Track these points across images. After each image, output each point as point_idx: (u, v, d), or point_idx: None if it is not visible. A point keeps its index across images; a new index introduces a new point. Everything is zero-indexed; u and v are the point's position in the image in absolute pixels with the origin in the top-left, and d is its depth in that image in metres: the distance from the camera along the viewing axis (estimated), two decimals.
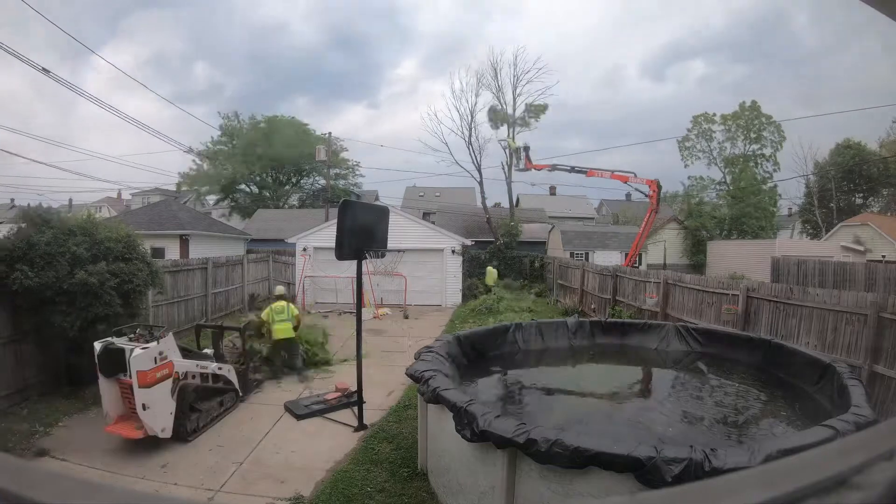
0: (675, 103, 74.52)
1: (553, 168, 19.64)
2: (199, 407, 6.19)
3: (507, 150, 23.36)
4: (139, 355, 5.35)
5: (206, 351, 7.24)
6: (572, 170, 18.98)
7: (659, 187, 17.65)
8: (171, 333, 6.05)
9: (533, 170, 19.94)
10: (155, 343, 5.60)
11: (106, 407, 5.71)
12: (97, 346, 5.64)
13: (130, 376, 5.39)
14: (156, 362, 5.51)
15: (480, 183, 25.48)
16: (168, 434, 5.61)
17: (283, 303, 8.70)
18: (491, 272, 19.62)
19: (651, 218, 18.05)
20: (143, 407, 5.38)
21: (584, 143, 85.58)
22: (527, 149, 19.83)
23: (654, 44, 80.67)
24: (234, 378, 6.98)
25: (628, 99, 78.13)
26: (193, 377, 6.22)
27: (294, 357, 8.65)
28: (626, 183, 18.14)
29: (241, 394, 7.19)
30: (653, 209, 17.58)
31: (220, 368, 6.73)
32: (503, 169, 24.85)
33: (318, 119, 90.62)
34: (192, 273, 12.56)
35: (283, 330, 8.47)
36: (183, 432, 5.82)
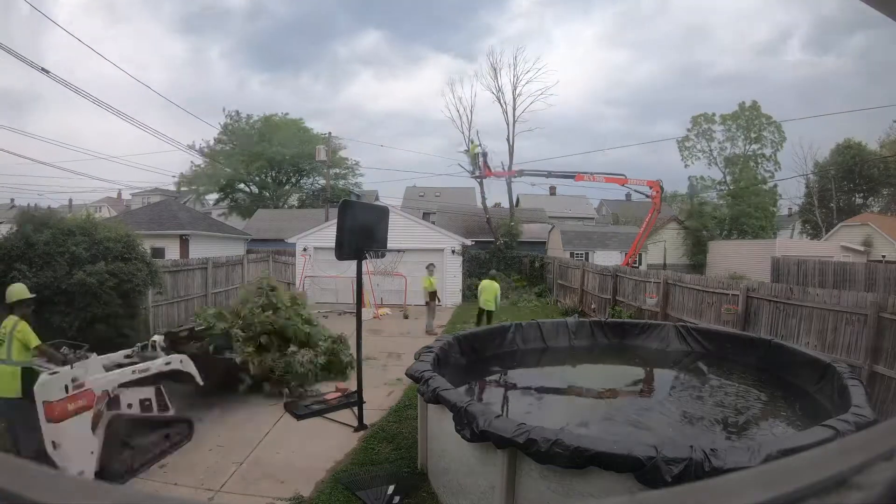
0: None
1: (520, 173, 18.65)
2: (133, 443, 5.07)
3: (470, 155, 21.70)
4: (45, 382, 4.37)
5: (154, 338, 6.18)
6: (549, 175, 18.31)
7: (661, 188, 17.64)
8: (93, 355, 5.05)
9: (492, 177, 19.13)
10: (68, 367, 4.60)
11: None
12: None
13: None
14: (67, 391, 4.45)
15: (480, 183, 25.46)
16: (89, 477, 4.52)
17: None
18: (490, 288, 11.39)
19: (653, 218, 18.04)
20: (54, 445, 4.36)
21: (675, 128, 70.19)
22: (484, 155, 19.14)
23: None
24: (192, 368, 5.94)
25: (773, 74, 59.31)
26: (129, 406, 5.16)
27: None
28: (623, 185, 17.96)
29: (201, 383, 6.10)
30: (655, 209, 17.57)
31: (168, 364, 5.67)
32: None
33: (386, 68, 68.47)
34: (192, 273, 12.57)
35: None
36: (112, 474, 4.74)
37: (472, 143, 21.17)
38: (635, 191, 18.69)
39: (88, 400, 4.64)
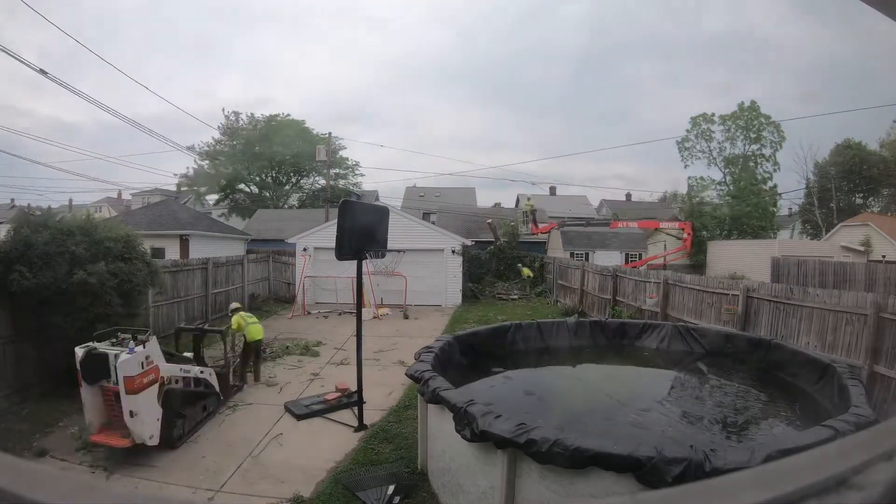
0: None
1: (561, 225, 21.75)
2: (184, 412, 6.01)
3: (526, 208, 24.87)
4: (126, 360, 5.13)
5: (185, 354, 7.00)
6: (588, 224, 21.65)
7: (694, 229, 18.21)
8: (154, 337, 5.79)
9: (539, 233, 22.27)
10: (141, 347, 5.39)
11: (88, 416, 5.48)
12: (79, 351, 5.40)
13: (116, 382, 5.21)
14: (143, 367, 5.28)
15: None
16: (156, 441, 5.43)
17: (243, 312, 8.67)
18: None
19: (678, 256, 18.64)
20: (131, 414, 5.17)
21: None
22: (534, 212, 22.41)
23: None
24: (214, 382, 6.77)
25: None
26: (177, 382, 5.98)
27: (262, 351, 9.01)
28: (656, 229, 19.10)
29: (221, 398, 6.99)
30: (684, 249, 18.22)
31: (201, 372, 6.50)
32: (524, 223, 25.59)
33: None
34: (193, 273, 12.57)
35: (257, 331, 8.45)
36: (170, 439, 5.67)
37: (528, 200, 24.47)
38: (667, 233, 19.90)
39: (156, 375, 5.52)
